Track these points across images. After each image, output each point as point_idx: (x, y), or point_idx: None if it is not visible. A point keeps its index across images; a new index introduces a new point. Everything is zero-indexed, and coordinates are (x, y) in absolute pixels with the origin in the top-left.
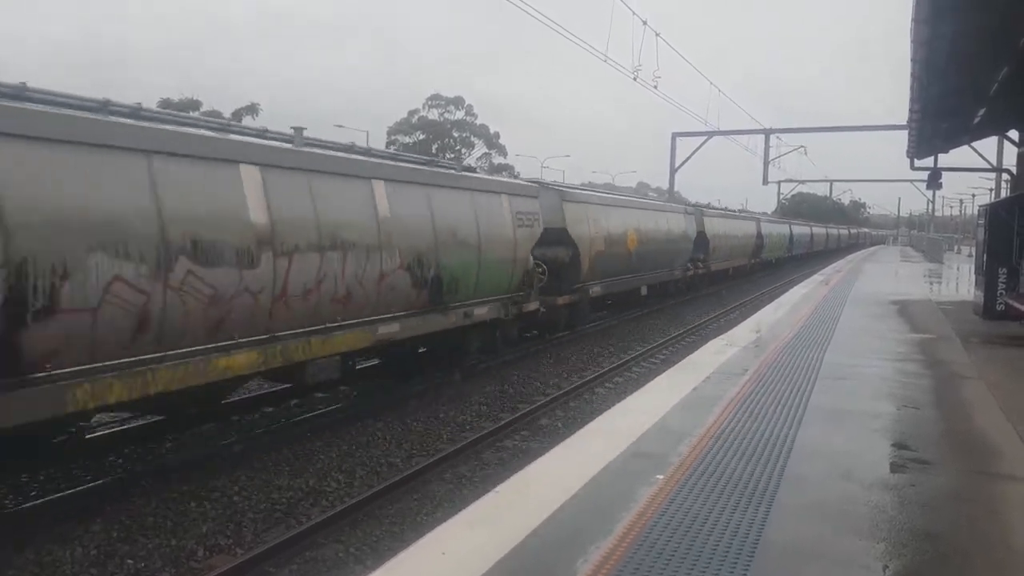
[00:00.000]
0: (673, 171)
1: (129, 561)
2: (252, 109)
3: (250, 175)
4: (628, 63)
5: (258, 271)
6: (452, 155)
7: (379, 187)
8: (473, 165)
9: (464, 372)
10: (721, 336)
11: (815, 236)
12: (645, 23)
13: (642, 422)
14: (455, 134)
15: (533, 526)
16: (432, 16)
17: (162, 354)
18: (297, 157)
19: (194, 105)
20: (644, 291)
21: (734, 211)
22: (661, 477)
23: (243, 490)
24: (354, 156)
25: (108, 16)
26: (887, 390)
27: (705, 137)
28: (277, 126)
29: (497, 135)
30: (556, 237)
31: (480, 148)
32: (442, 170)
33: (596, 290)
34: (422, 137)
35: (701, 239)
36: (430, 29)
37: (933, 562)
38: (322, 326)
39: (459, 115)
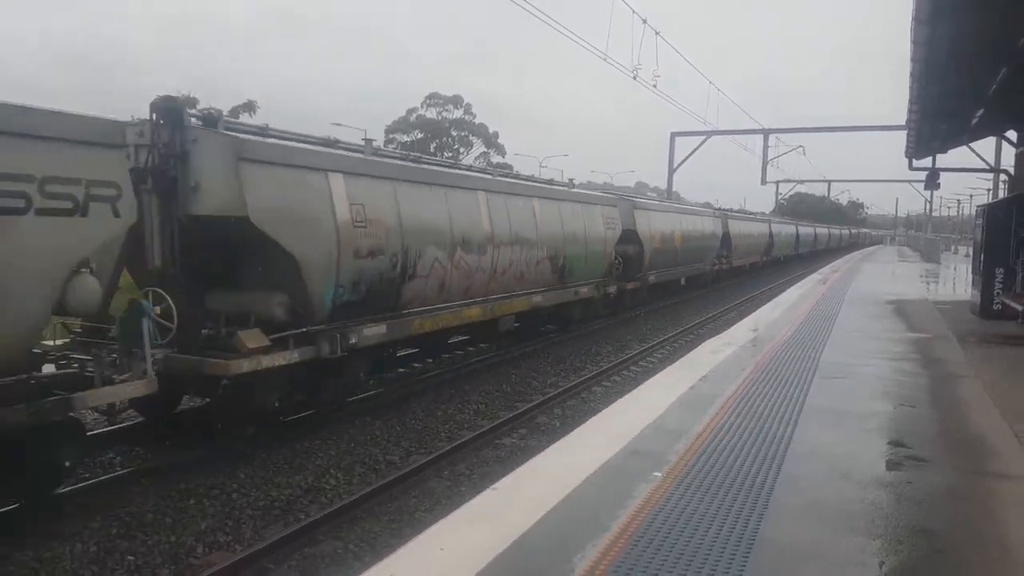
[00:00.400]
0: (672, 170)
1: (129, 557)
2: (249, 107)
3: (483, 198)
4: (628, 62)
5: (485, 257)
6: (450, 154)
7: (536, 203)
8: (472, 164)
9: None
10: (719, 335)
11: (818, 236)
12: (645, 22)
13: (640, 420)
14: (453, 133)
15: (531, 523)
16: (431, 16)
17: (446, 305)
18: (502, 184)
19: (191, 103)
20: (683, 281)
21: (753, 214)
22: (659, 475)
23: (242, 487)
24: (529, 183)
25: (107, 16)
26: (884, 389)
27: (704, 137)
28: (276, 124)
29: (496, 134)
30: (627, 236)
31: (479, 147)
32: (563, 188)
33: (653, 278)
34: (420, 136)
35: (726, 238)
36: (429, 29)
37: (929, 559)
38: (507, 294)
39: (457, 114)
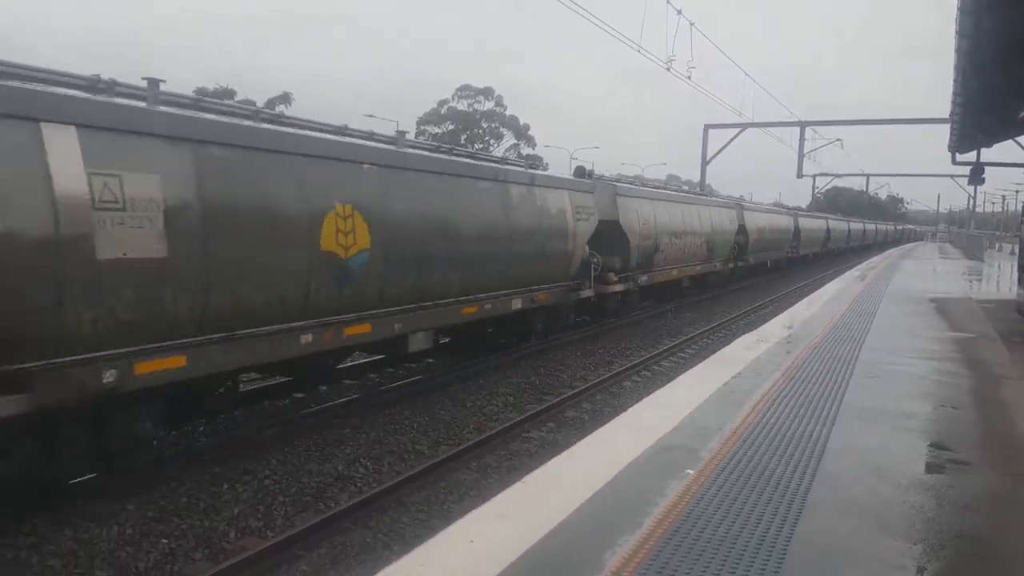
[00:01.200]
0: (705, 163)
1: (163, 540)
2: (285, 99)
3: (695, 209)
4: (662, 53)
5: (684, 241)
6: (481, 146)
7: (700, 209)
8: (505, 156)
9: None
10: (754, 331)
11: (852, 232)
12: (680, 12)
13: (673, 415)
14: (484, 125)
15: (561, 518)
16: (459, 9)
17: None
18: (675, 196)
19: (229, 94)
20: (769, 264)
21: (807, 210)
22: (691, 471)
23: (274, 474)
24: (699, 196)
25: (123, 11)
26: (924, 389)
27: (738, 129)
28: (309, 116)
29: (527, 126)
30: (740, 230)
31: (509, 139)
32: (712, 199)
33: (752, 260)
34: (451, 128)
35: (795, 233)
36: (455, 25)
37: (972, 565)
38: (686, 264)
39: (488, 106)
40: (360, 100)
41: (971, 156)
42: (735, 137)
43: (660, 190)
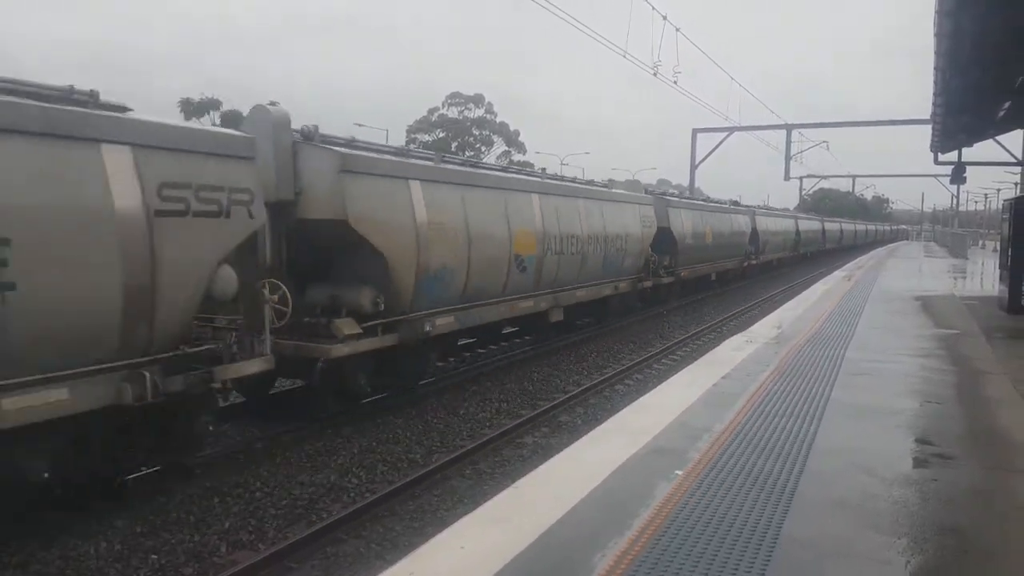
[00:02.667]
0: (694, 167)
1: (153, 556)
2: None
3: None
4: (648, 59)
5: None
6: (471, 153)
7: (736, 217)
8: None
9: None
10: (741, 333)
11: (844, 232)
12: (665, 18)
13: (662, 418)
14: (475, 132)
15: (552, 521)
16: (448, 16)
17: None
18: (718, 207)
19: (214, 104)
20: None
21: (816, 216)
22: (680, 473)
23: (265, 486)
24: (739, 206)
25: (123, 20)
26: (910, 386)
27: (726, 133)
28: (296, 123)
29: (517, 133)
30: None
31: (499, 145)
32: (753, 207)
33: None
34: (442, 135)
35: (798, 234)
36: (447, 29)
37: (955, 558)
38: (718, 259)
39: (479, 113)
40: (350, 105)
41: (953, 156)
42: (723, 141)
43: (697, 201)
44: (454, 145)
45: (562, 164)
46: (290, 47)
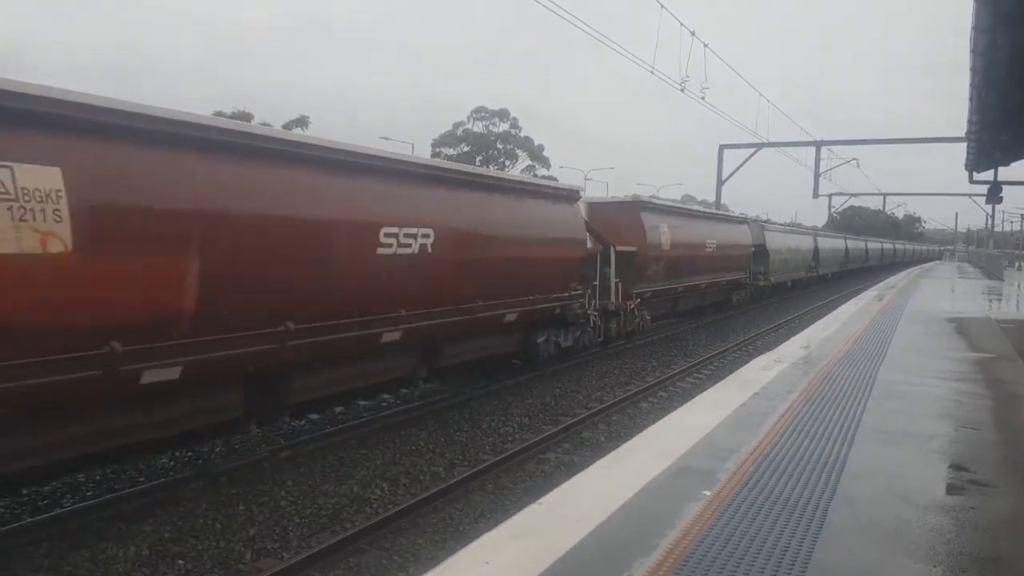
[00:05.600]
0: (720, 183)
1: (180, 562)
2: (302, 122)
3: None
4: (675, 74)
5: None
6: (496, 167)
7: (812, 239)
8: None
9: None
10: (771, 351)
11: (870, 251)
12: (693, 34)
13: (689, 437)
14: (499, 146)
15: (576, 540)
16: (478, 28)
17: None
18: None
19: (246, 117)
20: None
21: (860, 237)
22: (708, 493)
23: (289, 495)
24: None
25: (142, 28)
26: (944, 410)
27: (753, 149)
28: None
29: (541, 147)
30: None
31: (524, 160)
32: (812, 228)
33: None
34: (467, 149)
35: (816, 252)
36: (466, 44)
37: None
38: (791, 272)
39: (504, 127)
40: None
41: (989, 175)
42: (750, 157)
43: (782, 224)
44: (478, 159)
45: (586, 178)
46: (310, 55)
